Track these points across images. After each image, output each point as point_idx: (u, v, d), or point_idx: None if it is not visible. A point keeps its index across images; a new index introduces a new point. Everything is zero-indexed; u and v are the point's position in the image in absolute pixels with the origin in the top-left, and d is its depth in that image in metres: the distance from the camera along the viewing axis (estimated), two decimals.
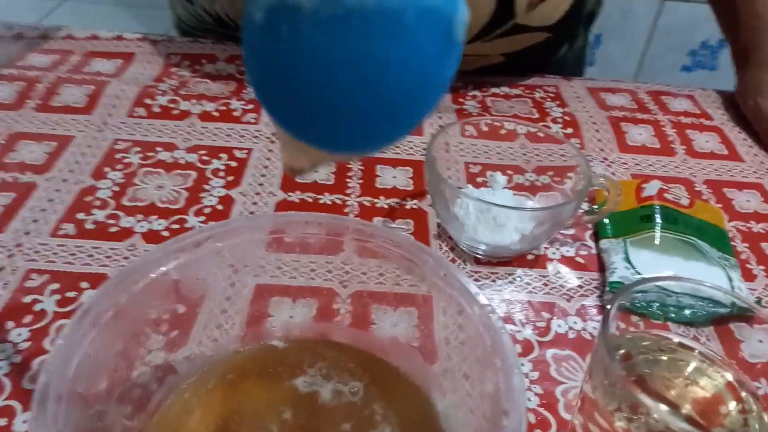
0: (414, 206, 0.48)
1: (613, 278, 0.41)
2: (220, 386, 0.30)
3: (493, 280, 0.42)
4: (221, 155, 0.51)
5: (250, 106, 0.57)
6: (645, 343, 0.29)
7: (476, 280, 0.42)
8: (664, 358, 0.29)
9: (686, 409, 0.28)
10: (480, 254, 0.44)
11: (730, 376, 0.28)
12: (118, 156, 0.50)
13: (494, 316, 0.25)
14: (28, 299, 0.38)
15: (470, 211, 0.43)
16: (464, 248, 0.44)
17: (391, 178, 0.50)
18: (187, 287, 0.33)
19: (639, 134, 0.58)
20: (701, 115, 0.61)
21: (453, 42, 0.19)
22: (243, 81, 0.60)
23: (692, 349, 0.29)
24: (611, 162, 0.54)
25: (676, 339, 0.29)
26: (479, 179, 0.50)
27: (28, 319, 0.37)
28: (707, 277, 0.41)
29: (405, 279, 0.33)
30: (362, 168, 0.51)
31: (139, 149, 0.51)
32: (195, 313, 0.34)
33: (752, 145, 0.58)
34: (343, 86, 0.18)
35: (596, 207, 0.44)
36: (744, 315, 0.32)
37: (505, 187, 0.47)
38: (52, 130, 0.52)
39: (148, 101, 0.56)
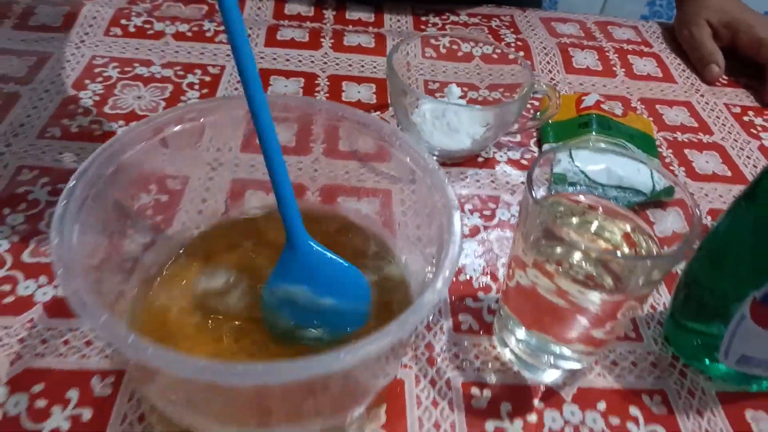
0: (377, 115, 0.52)
1: (557, 170, 0.46)
2: (210, 250, 0.34)
3: (449, 182, 0.47)
4: (196, 71, 0.54)
5: (223, 27, 0.60)
6: (560, 209, 0.34)
7: None
8: (575, 220, 0.34)
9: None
10: (436, 156, 0.48)
11: (627, 227, 0.33)
12: (97, 70, 0.52)
13: (441, 172, 0.30)
14: (20, 190, 0.41)
15: (427, 118, 0.47)
16: None
17: (356, 92, 0.54)
18: (172, 166, 0.36)
19: (584, 58, 0.62)
20: (642, 43, 0.66)
21: None
22: (214, 4, 0.63)
23: (597, 209, 0.34)
24: (557, 82, 0.59)
25: (586, 201, 0.34)
26: (437, 95, 0.54)
27: (22, 206, 0.40)
28: (633, 169, 0.46)
29: (368, 176, 0.38)
30: (329, 84, 0.55)
31: (116, 65, 0.53)
32: (178, 199, 0.38)
33: (685, 69, 0.63)
34: None
35: (539, 114, 0.49)
36: (659, 200, 0.38)
37: (459, 98, 0.52)
38: (30, 47, 0.54)
39: (123, 22, 0.59)
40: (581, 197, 0.34)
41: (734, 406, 0.34)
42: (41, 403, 0.30)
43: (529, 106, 0.55)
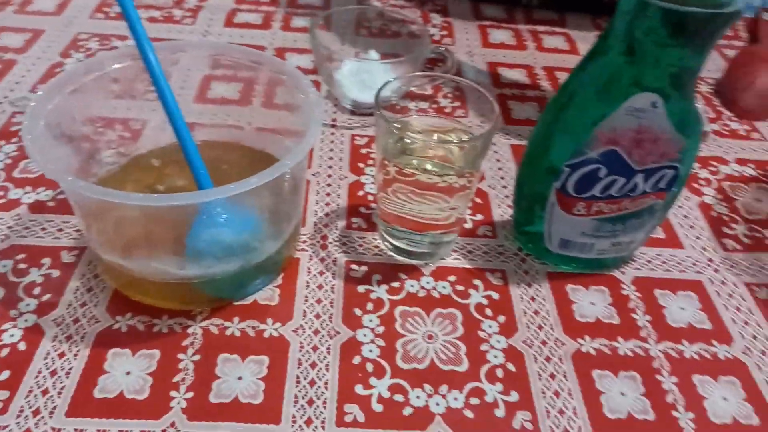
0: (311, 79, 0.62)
1: None
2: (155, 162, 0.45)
3: (363, 126, 0.57)
4: None
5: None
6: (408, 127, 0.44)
7: (349, 123, 0.57)
8: (420, 136, 0.44)
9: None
10: (354, 107, 0.59)
11: (456, 137, 0.43)
12: (80, 44, 0.63)
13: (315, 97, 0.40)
14: (14, 128, 0.52)
15: (346, 75, 0.58)
16: (344, 104, 0.59)
17: (297, 61, 0.65)
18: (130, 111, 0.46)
19: (500, 35, 0.73)
20: (555, 23, 0.77)
21: None
22: None
23: (435, 129, 0.44)
24: (473, 54, 0.69)
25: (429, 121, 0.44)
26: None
27: (14, 140, 0.51)
28: None
29: (290, 120, 0.48)
30: (275, 54, 0.65)
31: (97, 39, 0.64)
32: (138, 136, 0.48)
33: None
34: None
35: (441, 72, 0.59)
36: None
37: (376, 60, 0.62)
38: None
39: (105, 9, 0.70)
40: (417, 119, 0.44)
41: (559, 282, 0.44)
42: (22, 266, 0.41)
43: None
